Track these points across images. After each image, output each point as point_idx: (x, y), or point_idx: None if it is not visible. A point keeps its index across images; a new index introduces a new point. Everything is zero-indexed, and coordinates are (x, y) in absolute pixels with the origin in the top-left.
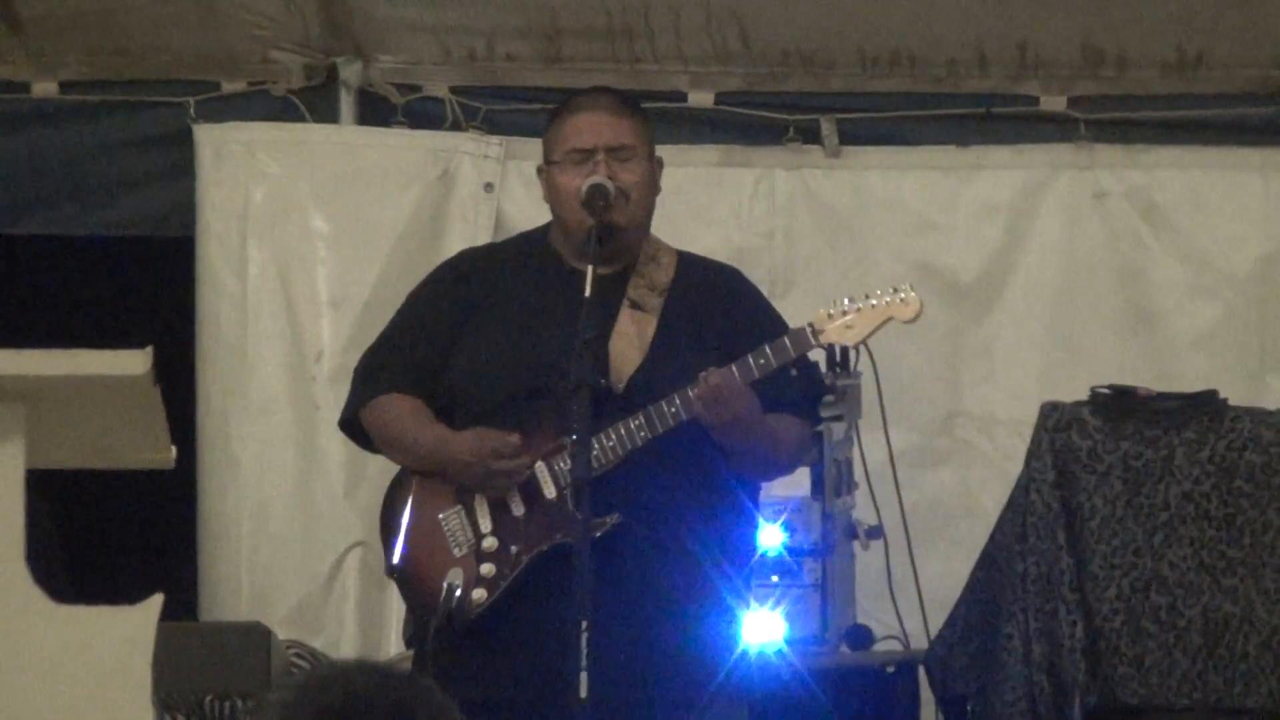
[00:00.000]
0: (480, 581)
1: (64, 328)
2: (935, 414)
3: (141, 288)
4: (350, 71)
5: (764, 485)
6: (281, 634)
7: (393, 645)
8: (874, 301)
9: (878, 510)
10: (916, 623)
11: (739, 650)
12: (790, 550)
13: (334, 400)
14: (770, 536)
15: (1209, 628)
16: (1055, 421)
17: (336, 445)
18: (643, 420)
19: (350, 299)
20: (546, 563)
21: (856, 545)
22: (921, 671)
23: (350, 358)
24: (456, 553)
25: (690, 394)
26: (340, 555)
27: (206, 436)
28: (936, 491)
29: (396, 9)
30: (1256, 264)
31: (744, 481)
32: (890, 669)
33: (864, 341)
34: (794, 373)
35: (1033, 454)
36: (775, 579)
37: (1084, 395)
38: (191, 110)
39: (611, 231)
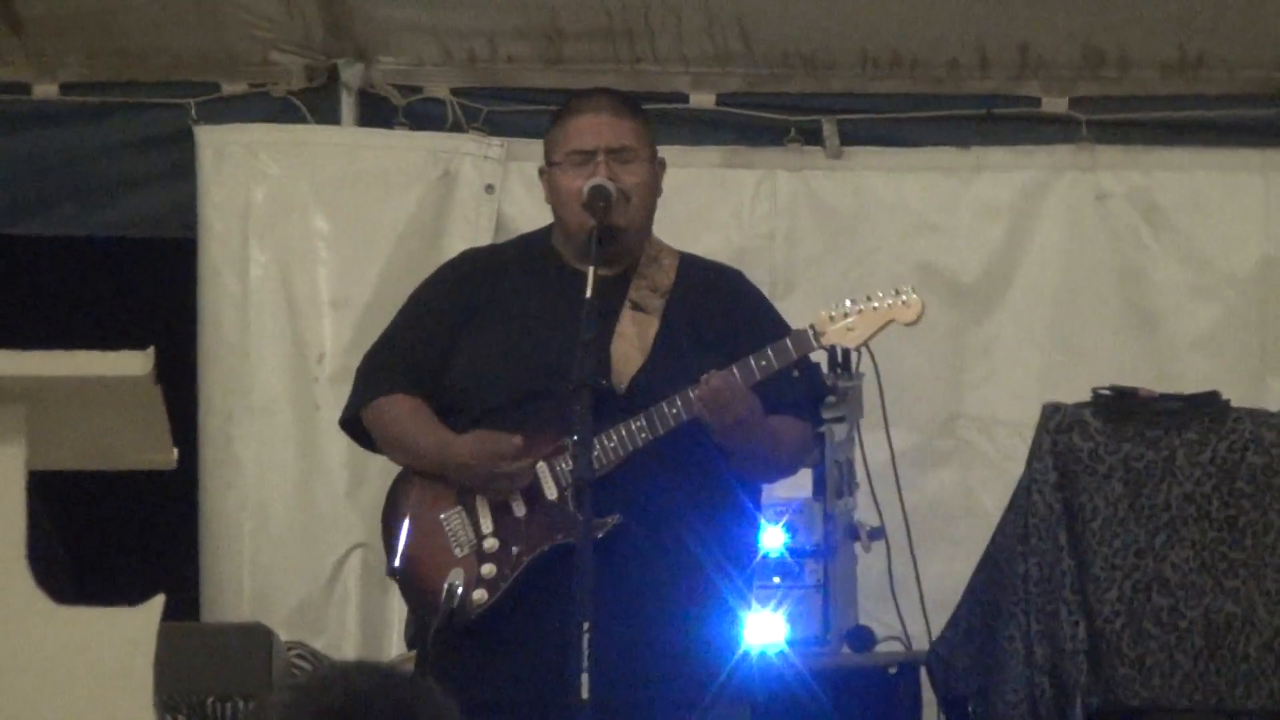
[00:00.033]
0: (481, 582)
1: (65, 329)
2: (936, 415)
3: (143, 289)
4: (351, 73)
5: (765, 486)
6: (283, 635)
7: (394, 646)
8: (875, 304)
9: (879, 511)
10: (918, 624)
11: (740, 651)
12: (792, 551)
13: (335, 401)
14: (772, 538)
15: (1210, 629)
16: (1057, 423)
17: (338, 446)
18: (644, 421)
19: (351, 300)
20: (547, 563)
21: (858, 546)
22: (923, 672)
23: (351, 358)
24: (458, 553)
25: (691, 395)
26: (342, 556)
27: (208, 437)
28: (938, 492)
29: (397, 10)
30: (1258, 265)
31: (745, 483)
32: (892, 670)
33: (865, 343)
34: (795, 374)
35: (1034, 455)
36: (777, 580)
37: (1085, 396)
38: (192, 111)
39: (612, 233)
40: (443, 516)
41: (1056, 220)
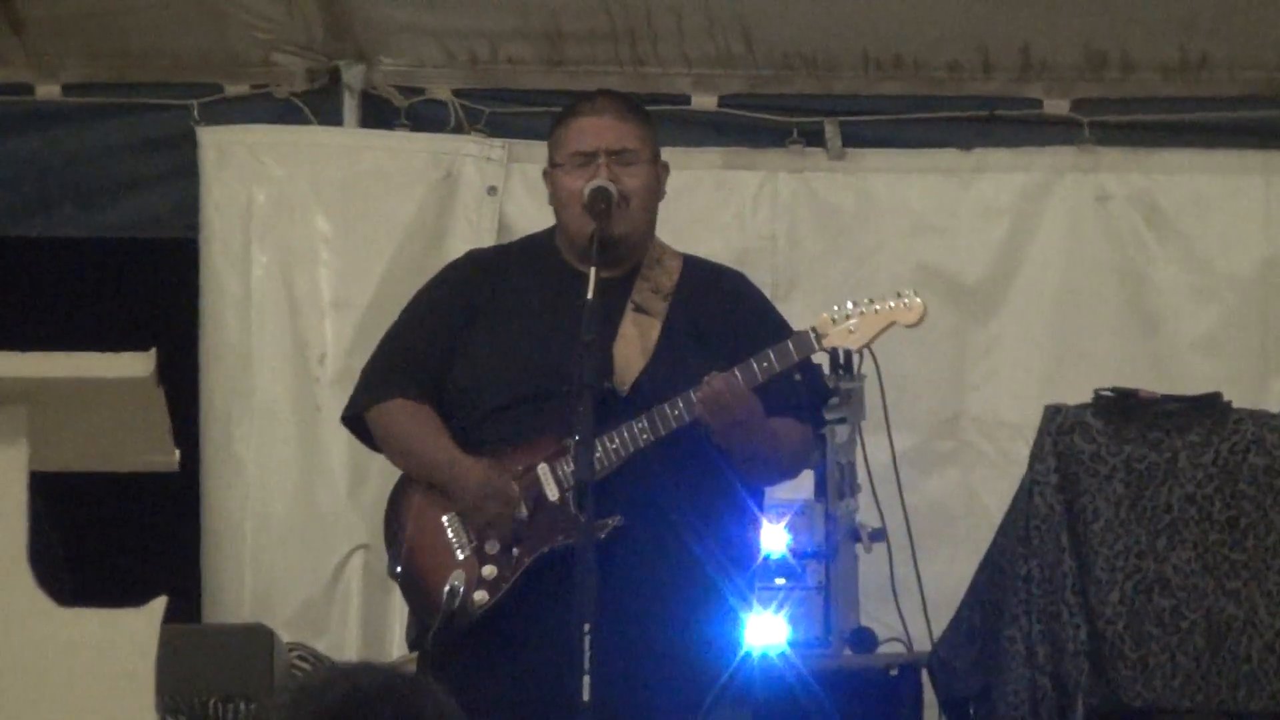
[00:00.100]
0: (482, 583)
1: (67, 330)
2: (938, 416)
3: (144, 290)
4: (353, 74)
5: (766, 488)
6: (284, 636)
7: (396, 647)
8: (877, 306)
9: (881, 512)
10: (919, 625)
11: (742, 652)
12: (793, 552)
13: (336, 402)
14: (773, 539)
15: (1212, 630)
16: (1058, 424)
17: (339, 447)
18: (646, 423)
19: (353, 301)
20: (549, 565)
21: (859, 547)
22: (925, 674)
23: (353, 359)
24: (459, 555)
25: (693, 397)
26: (343, 557)
27: (209, 438)
28: (939, 494)
29: (399, 12)
30: (1259, 266)
31: (747, 484)
32: (893, 671)
33: (867, 346)
34: (797, 377)
35: (1036, 456)
36: (778, 581)
37: (1087, 398)
38: (195, 113)
39: (611, 240)
40: (444, 518)
41: (1058, 222)
